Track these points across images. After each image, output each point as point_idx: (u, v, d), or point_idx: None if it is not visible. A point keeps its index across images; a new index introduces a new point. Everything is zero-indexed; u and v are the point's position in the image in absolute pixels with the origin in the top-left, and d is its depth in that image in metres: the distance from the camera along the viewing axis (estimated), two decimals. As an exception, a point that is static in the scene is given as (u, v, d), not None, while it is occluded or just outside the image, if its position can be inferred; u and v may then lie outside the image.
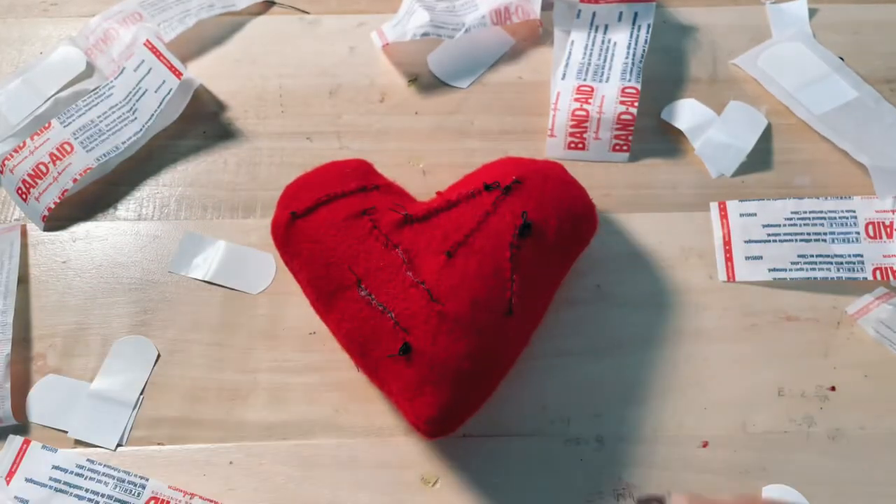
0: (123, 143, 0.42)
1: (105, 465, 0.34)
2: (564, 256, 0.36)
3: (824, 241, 0.39)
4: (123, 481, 0.34)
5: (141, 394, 0.36)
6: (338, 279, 0.33)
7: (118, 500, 0.33)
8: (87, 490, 0.34)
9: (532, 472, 0.34)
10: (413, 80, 0.46)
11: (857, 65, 0.45)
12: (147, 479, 0.34)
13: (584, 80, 0.44)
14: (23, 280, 0.39)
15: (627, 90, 0.43)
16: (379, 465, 0.35)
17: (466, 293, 0.32)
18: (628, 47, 0.44)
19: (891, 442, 0.35)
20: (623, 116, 0.42)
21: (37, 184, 0.41)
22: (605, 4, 0.46)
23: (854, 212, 0.40)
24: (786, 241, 0.39)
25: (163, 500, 0.34)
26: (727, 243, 0.40)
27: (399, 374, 0.32)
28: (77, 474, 0.34)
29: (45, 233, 0.41)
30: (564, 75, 0.44)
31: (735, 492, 0.34)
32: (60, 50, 0.46)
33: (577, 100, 0.43)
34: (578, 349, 0.37)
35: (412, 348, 0.31)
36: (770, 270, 0.39)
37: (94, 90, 0.43)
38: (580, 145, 0.43)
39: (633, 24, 0.45)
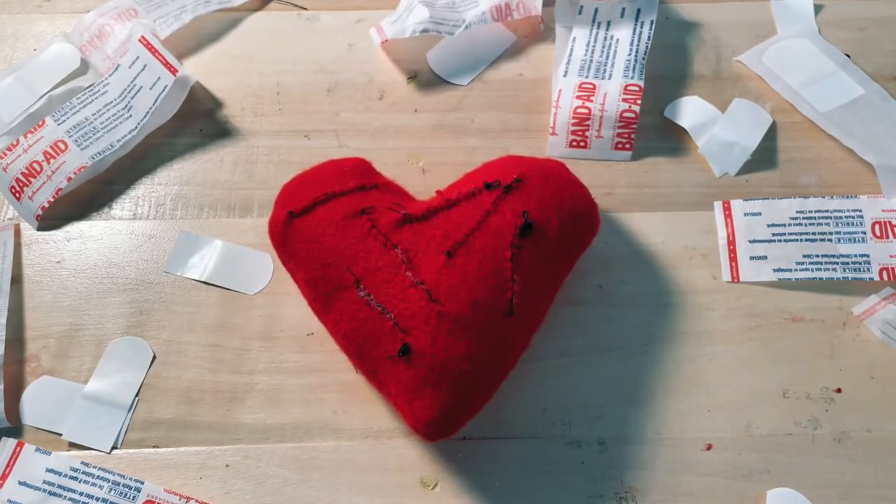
0: (118, 141, 0.41)
1: (100, 468, 0.34)
2: (566, 256, 0.36)
3: (830, 240, 0.39)
4: (118, 484, 0.34)
5: (136, 396, 0.36)
6: (336, 279, 0.33)
7: (113, 504, 0.33)
8: (81, 493, 0.33)
9: (533, 475, 0.34)
10: (412, 77, 0.45)
11: (863, 62, 0.44)
12: (142, 483, 0.34)
13: (586, 77, 0.43)
14: (16, 280, 0.39)
15: (630, 87, 0.42)
16: (378, 467, 0.34)
17: (466, 293, 0.31)
18: (631, 44, 0.44)
19: (897, 445, 0.34)
20: (625, 114, 0.42)
21: (30, 182, 0.40)
22: (608, 1, 0.45)
23: (860, 211, 0.39)
24: (791, 240, 0.39)
25: (158, 504, 0.33)
26: (731, 243, 0.39)
27: (398, 376, 0.32)
28: (71, 477, 0.34)
29: (39, 232, 0.40)
30: (566, 72, 0.44)
31: (739, 495, 0.33)
32: (54, 46, 0.45)
33: (578, 97, 0.42)
34: (580, 350, 0.37)
35: (411, 349, 0.31)
36: (775, 271, 0.38)
37: (88, 87, 0.43)
38: (582, 143, 0.42)
39: (636, 20, 0.45)
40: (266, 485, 0.34)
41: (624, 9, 0.45)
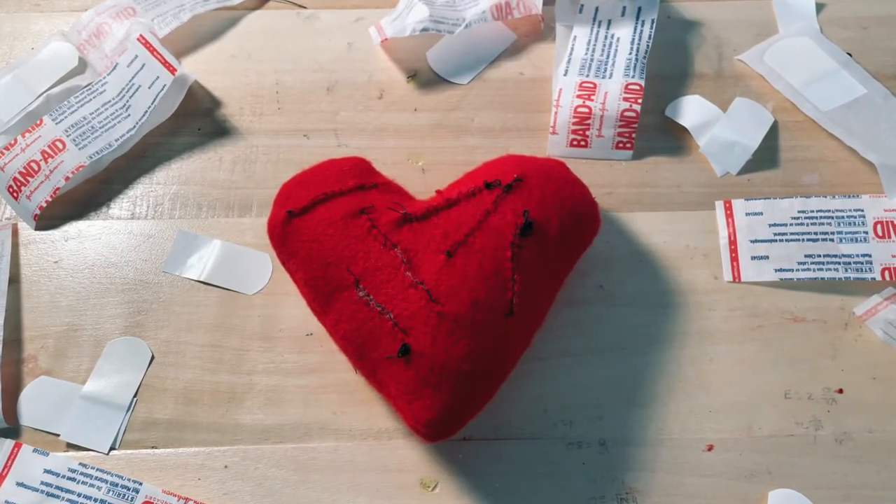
0: (116, 140, 0.41)
1: (98, 469, 0.34)
2: (567, 256, 0.36)
3: (832, 240, 0.38)
4: (117, 485, 0.33)
5: (134, 396, 0.36)
6: (335, 279, 0.32)
7: (111, 506, 0.33)
8: (79, 494, 0.33)
9: (533, 477, 0.34)
10: (412, 76, 0.45)
11: (865, 60, 0.44)
12: (141, 484, 0.33)
13: (587, 76, 0.43)
14: (14, 280, 0.39)
15: (631, 86, 0.42)
16: (377, 468, 0.34)
17: (467, 293, 0.31)
18: (632, 43, 0.44)
19: (899, 446, 0.34)
20: (626, 113, 0.41)
21: (28, 182, 0.40)
22: (608, -1, 0.45)
23: (862, 211, 0.39)
24: (792, 240, 0.39)
25: (157, 505, 0.33)
26: (733, 243, 0.39)
27: (398, 376, 0.31)
28: (69, 478, 0.34)
29: (37, 232, 0.40)
30: (567, 71, 0.43)
31: (740, 496, 0.33)
32: (52, 45, 0.45)
33: (579, 96, 0.42)
34: (581, 350, 0.37)
35: (411, 350, 0.31)
36: (776, 271, 0.38)
37: (86, 86, 0.42)
38: (583, 143, 0.42)
39: (637, 19, 0.45)
40: (265, 486, 0.34)
41: (625, 7, 0.45)
